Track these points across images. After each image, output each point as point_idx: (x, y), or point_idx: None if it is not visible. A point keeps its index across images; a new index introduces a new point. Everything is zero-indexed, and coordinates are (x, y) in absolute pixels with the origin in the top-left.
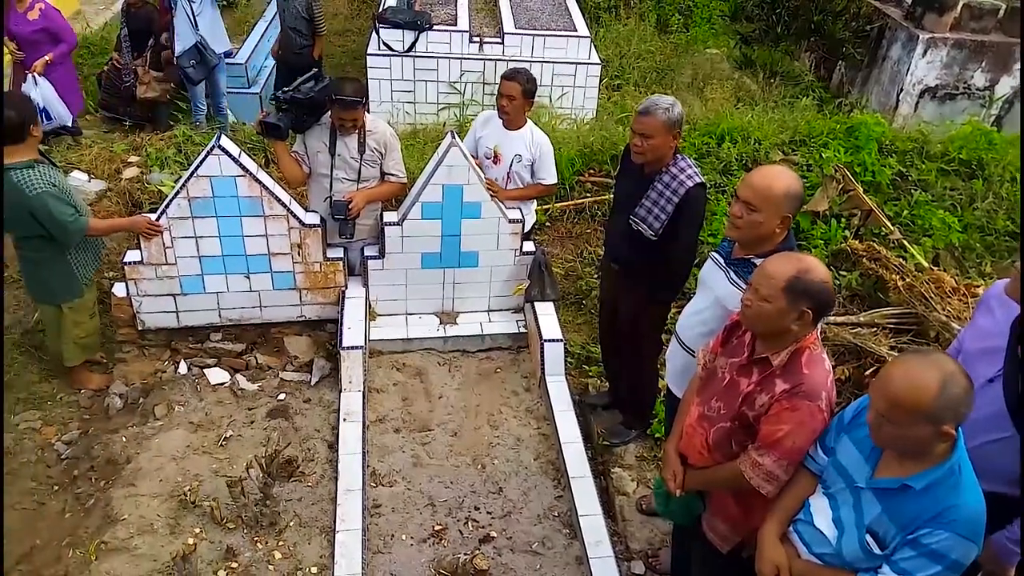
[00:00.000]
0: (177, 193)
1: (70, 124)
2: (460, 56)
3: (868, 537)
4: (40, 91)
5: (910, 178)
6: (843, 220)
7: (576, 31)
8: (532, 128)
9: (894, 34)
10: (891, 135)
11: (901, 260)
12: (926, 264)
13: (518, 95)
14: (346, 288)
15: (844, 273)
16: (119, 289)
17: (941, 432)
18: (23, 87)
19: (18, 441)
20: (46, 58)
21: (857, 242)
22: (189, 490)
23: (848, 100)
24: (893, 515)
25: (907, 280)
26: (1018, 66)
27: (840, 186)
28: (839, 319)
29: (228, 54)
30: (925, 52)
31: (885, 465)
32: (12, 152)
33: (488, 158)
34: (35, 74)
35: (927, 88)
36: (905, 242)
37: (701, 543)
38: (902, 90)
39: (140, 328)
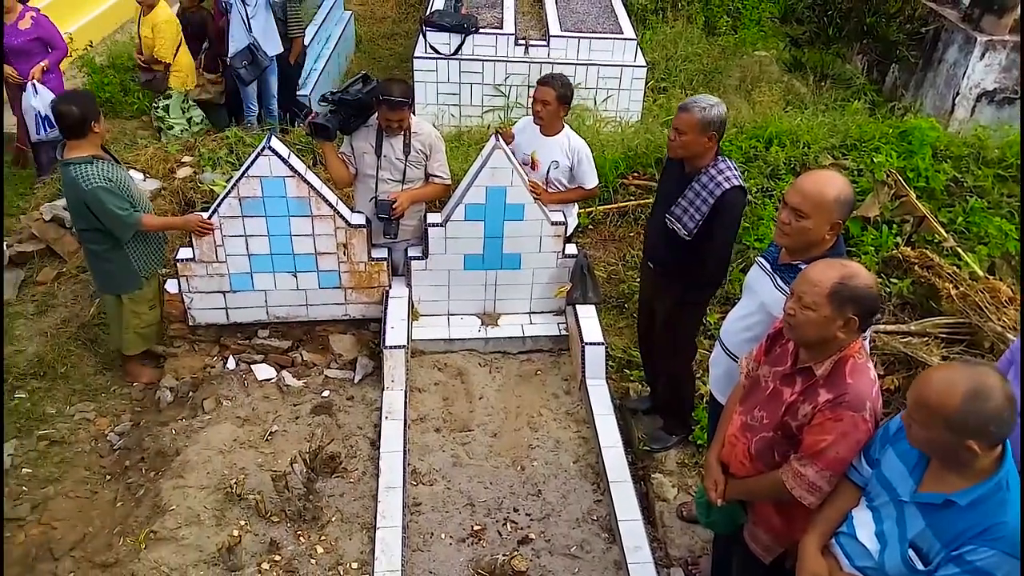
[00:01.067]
0: (228, 193)
1: None
2: (505, 59)
3: (911, 552)
4: (41, 99)
5: (965, 184)
6: (895, 226)
7: (622, 33)
8: (569, 134)
9: (950, 36)
10: (946, 140)
11: (955, 268)
12: (981, 273)
13: (553, 100)
14: (390, 288)
15: (895, 281)
16: (171, 285)
17: (964, 445)
18: (23, 97)
19: (73, 431)
20: (42, 64)
21: (909, 249)
22: (235, 483)
23: (901, 104)
24: (937, 530)
25: (961, 289)
26: None
27: (892, 192)
28: (889, 328)
29: (279, 57)
30: (983, 55)
31: (930, 479)
32: (74, 147)
33: (525, 164)
34: (34, 81)
35: (984, 92)
36: (959, 250)
37: (742, 552)
38: (958, 94)
39: (191, 324)
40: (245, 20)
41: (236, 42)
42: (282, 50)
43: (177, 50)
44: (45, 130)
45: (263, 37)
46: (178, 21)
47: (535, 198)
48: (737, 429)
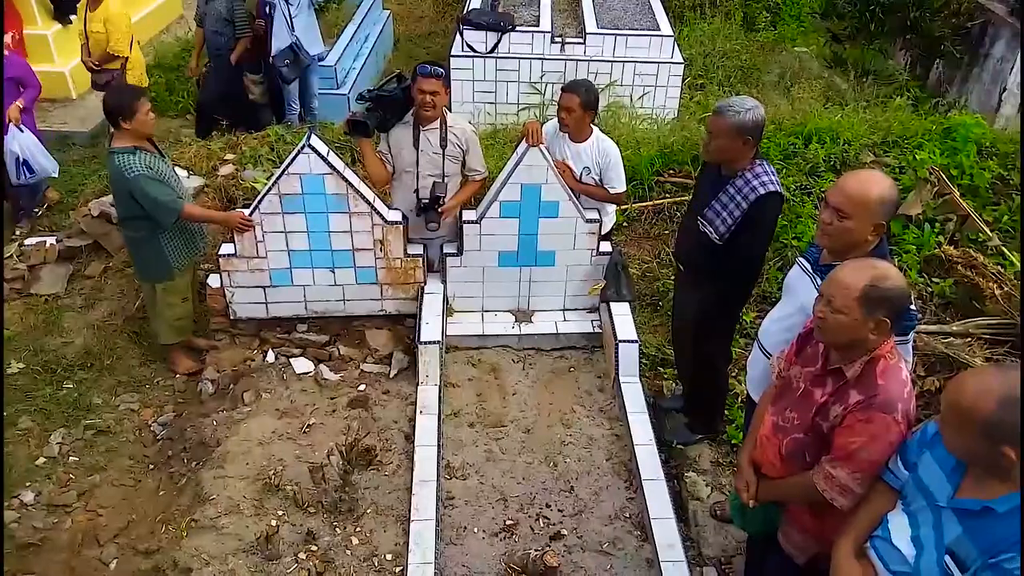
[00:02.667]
0: (269, 190)
1: (56, 175)
2: (542, 57)
3: (948, 558)
4: (21, 142)
5: (1011, 182)
6: (937, 225)
7: (659, 30)
8: (598, 137)
9: (997, 31)
10: (992, 137)
11: (999, 268)
12: None
13: (577, 107)
14: (425, 284)
15: (937, 280)
16: (213, 280)
17: (1000, 452)
18: (6, 140)
19: (118, 421)
20: (18, 103)
21: (952, 248)
22: (273, 474)
23: (945, 100)
24: (975, 537)
25: (1005, 289)
26: None
27: (935, 189)
28: (931, 328)
29: (320, 56)
30: None
31: (968, 485)
32: (117, 137)
33: None
34: (14, 124)
35: None
36: (1004, 249)
37: (777, 553)
38: (1005, 90)
39: (232, 317)
40: (288, 20)
41: (279, 41)
42: (323, 49)
43: (130, 46)
44: (25, 175)
45: (305, 36)
46: (129, 14)
47: (562, 182)
48: (768, 430)
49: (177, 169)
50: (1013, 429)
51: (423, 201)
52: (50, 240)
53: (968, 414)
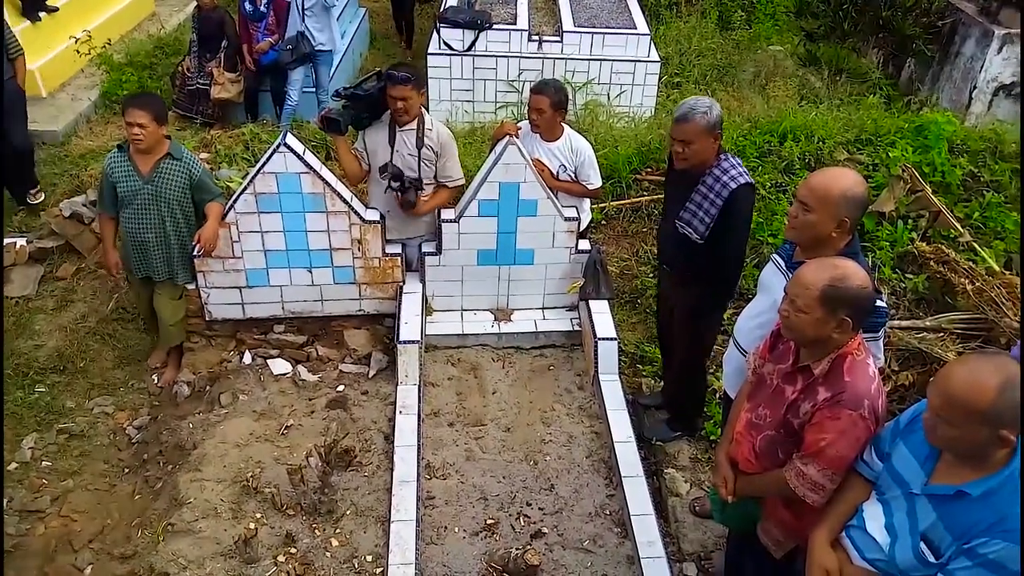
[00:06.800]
0: (244, 189)
1: None
2: (519, 55)
3: (922, 545)
4: None
5: (982, 179)
6: (910, 221)
7: (635, 29)
8: (570, 135)
9: (967, 30)
10: (963, 134)
11: (971, 263)
12: (997, 268)
13: (547, 108)
14: (404, 283)
15: (910, 276)
16: None
17: (999, 436)
18: None
19: (92, 425)
20: None
21: (924, 244)
22: (251, 476)
23: (917, 98)
24: (948, 523)
25: (977, 284)
26: None
27: (908, 186)
28: (904, 323)
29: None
30: (1000, 48)
31: (941, 471)
32: (164, 139)
33: None
34: None
35: (1002, 86)
36: (976, 245)
37: (756, 547)
38: (975, 88)
39: (208, 319)
40: (300, 11)
41: (290, 29)
42: (333, 43)
43: None
44: None
45: (315, 30)
46: None
47: (542, 184)
48: (743, 427)
49: None
50: (1013, 412)
51: (397, 191)
52: (20, 241)
53: (969, 406)
